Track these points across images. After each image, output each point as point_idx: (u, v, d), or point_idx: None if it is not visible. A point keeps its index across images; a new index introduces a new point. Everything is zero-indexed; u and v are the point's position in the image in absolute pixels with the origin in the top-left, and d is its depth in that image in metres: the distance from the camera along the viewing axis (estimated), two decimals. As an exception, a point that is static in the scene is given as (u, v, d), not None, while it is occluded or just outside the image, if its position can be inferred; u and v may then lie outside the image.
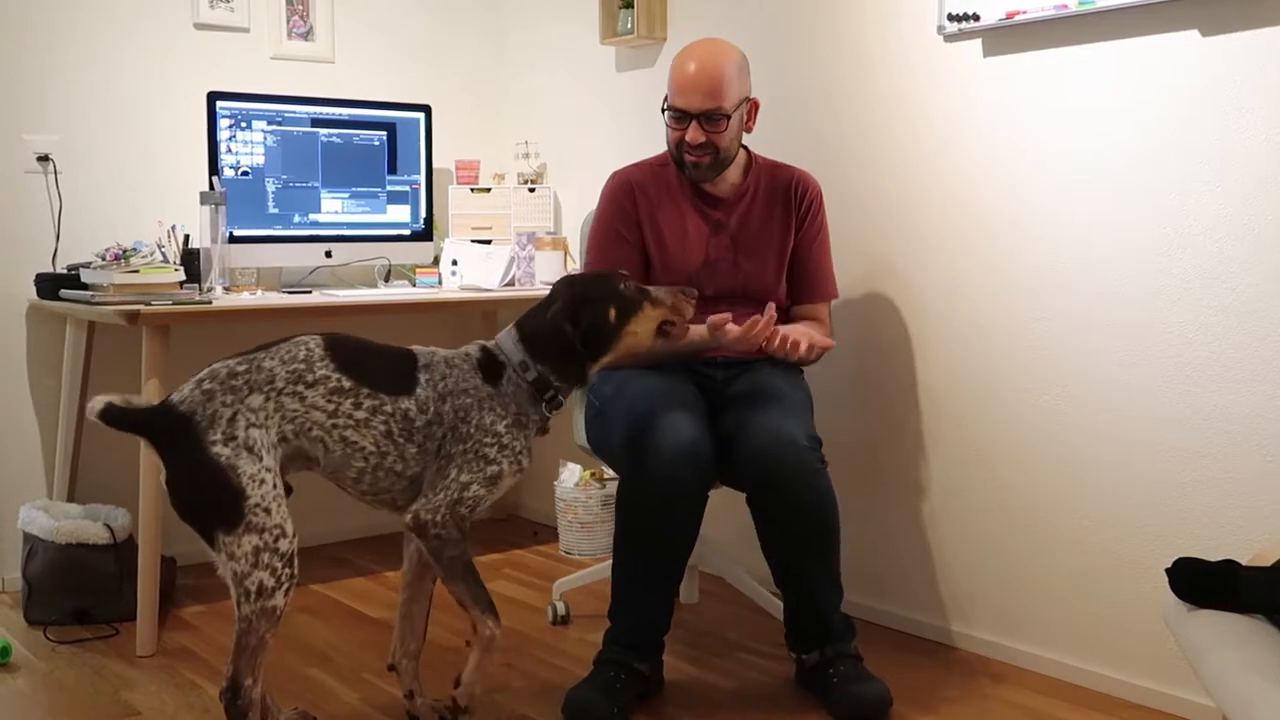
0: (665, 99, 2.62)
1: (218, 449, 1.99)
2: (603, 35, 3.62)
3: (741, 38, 3.24)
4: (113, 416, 2.03)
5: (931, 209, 2.86)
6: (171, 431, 2.02)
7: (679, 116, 2.58)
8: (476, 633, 2.21)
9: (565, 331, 2.24)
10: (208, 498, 2.00)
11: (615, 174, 2.74)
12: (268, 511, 2.00)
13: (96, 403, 2.03)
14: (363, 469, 2.15)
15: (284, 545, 2.02)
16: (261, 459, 2.02)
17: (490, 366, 2.23)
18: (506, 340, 2.27)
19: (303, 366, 2.10)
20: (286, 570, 2.02)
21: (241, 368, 2.07)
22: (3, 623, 3.02)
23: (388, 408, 2.14)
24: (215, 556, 2.03)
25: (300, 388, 2.08)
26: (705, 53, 2.57)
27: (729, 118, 2.57)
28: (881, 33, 2.93)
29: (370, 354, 2.19)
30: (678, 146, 2.61)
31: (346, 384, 2.11)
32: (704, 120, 2.55)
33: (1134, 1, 2.41)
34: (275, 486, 2.03)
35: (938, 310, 2.86)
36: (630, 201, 2.68)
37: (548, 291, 2.35)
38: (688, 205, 2.68)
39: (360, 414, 2.12)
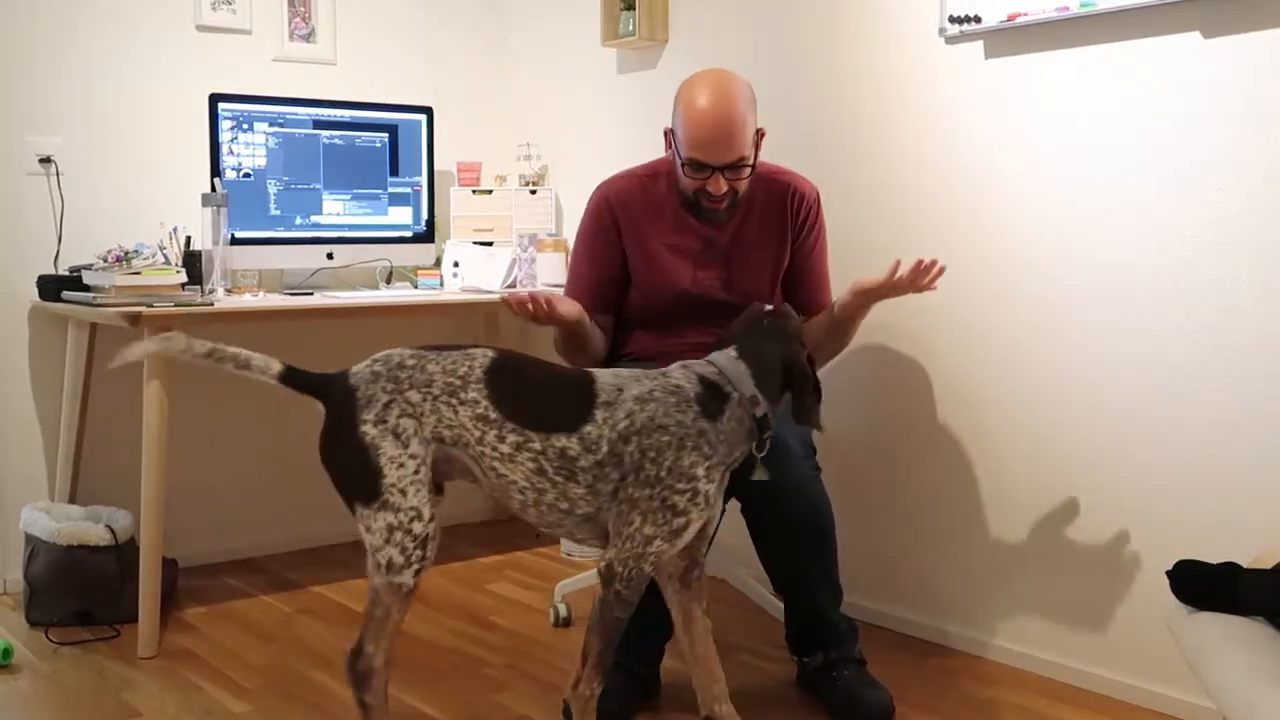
0: (672, 133, 2.54)
1: (366, 428, 2.03)
2: (604, 37, 3.62)
3: (742, 39, 3.25)
4: (292, 380, 2.10)
5: (932, 210, 2.86)
6: (335, 399, 2.08)
7: (698, 168, 2.48)
8: (577, 688, 2.16)
9: (812, 372, 2.16)
10: (350, 471, 2.05)
11: (599, 189, 2.68)
12: (403, 493, 2.03)
13: (273, 365, 2.09)
14: (523, 501, 2.10)
15: (417, 528, 2.04)
16: (407, 446, 2.04)
17: (713, 399, 2.09)
18: (733, 368, 2.12)
19: (458, 383, 2.07)
20: (418, 552, 2.04)
21: (411, 362, 2.09)
22: (4, 624, 3.03)
23: (535, 445, 2.05)
24: (357, 522, 2.08)
25: (453, 401, 2.07)
26: (720, 98, 2.44)
27: (751, 166, 2.51)
28: (883, 35, 2.93)
29: (535, 385, 2.10)
30: (695, 194, 2.53)
31: (492, 414, 2.06)
32: (726, 171, 2.48)
33: (1135, 3, 2.41)
34: (416, 472, 2.04)
35: (938, 313, 2.86)
36: (610, 222, 2.63)
37: (750, 314, 2.23)
38: (678, 220, 2.62)
39: (504, 448, 2.06)
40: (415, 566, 2.05)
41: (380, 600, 2.08)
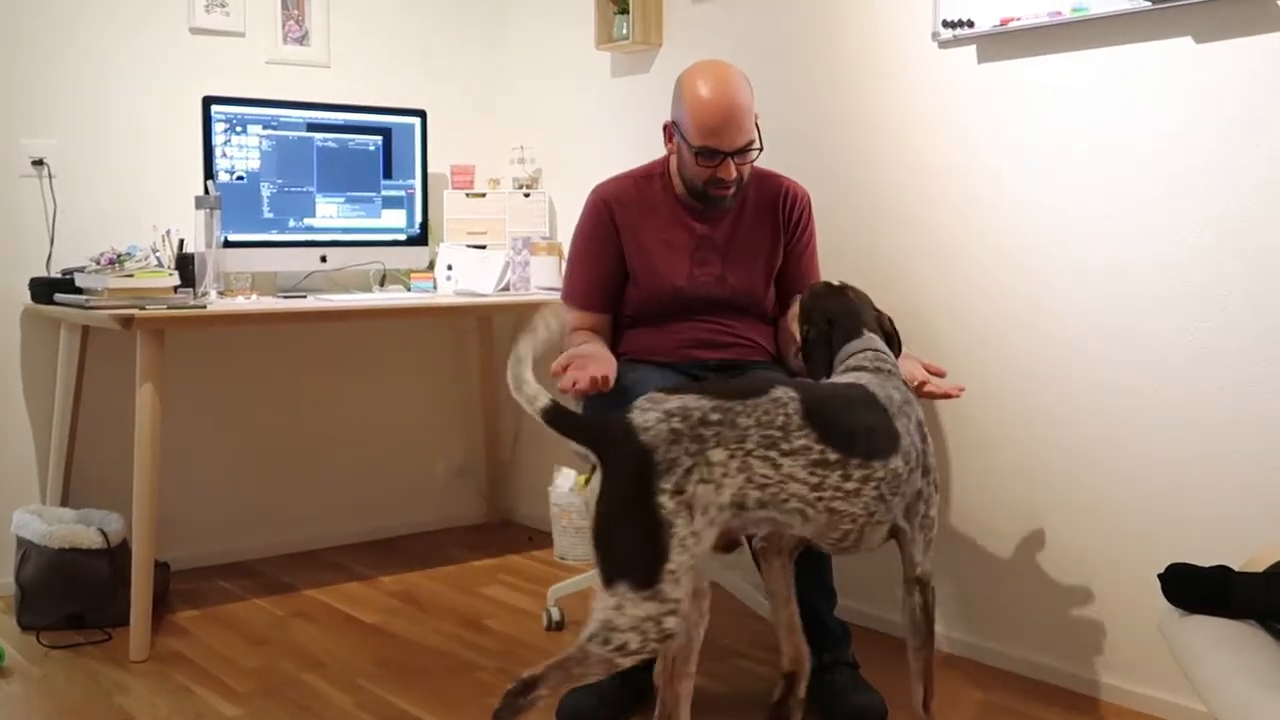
0: (676, 126, 2.56)
1: (663, 499, 1.79)
2: (598, 41, 3.63)
3: (735, 44, 3.25)
4: (559, 421, 1.85)
5: (926, 212, 2.87)
6: (625, 459, 1.82)
7: (711, 155, 2.51)
8: (928, 708, 2.17)
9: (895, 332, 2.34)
10: (631, 546, 1.80)
11: (595, 190, 2.71)
12: (677, 582, 1.79)
13: (540, 399, 1.84)
14: (849, 530, 2.02)
15: (670, 623, 1.80)
16: (693, 520, 1.81)
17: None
18: (878, 342, 2.23)
19: (778, 434, 1.90)
20: (655, 646, 1.81)
21: (715, 417, 1.86)
22: (-4, 627, 3.02)
23: (880, 473, 2.00)
24: (596, 588, 1.84)
25: (774, 454, 1.89)
26: (724, 85, 2.50)
27: (760, 149, 2.57)
28: (876, 39, 2.93)
29: (849, 414, 2.01)
30: (706, 184, 2.56)
31: (833, 456, 1.94)
32: (736, 156, 2.53)
33: (1127, 9, 2.42)
34: (694, 557, 1.82)
35: (933, 315, 2.86)
36: (608, 219, 2.66)
37: (816, 295, 2.33)
38: (673, 219, 2.65)
39: (850, 485, 1.97)
40: (642, 657, 1.82)
41: (585, 663, 1.83)
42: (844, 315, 2.26)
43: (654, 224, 2.65)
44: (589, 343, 2.57)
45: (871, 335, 2.24)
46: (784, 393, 1.95)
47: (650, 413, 1.85)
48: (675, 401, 1.87)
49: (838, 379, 2.17)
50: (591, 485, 1.86)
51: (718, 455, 1.84)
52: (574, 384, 2.31)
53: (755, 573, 2.56)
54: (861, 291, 2.34)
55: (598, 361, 2.41)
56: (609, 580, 1.80)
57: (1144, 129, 2.46)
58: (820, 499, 1.95)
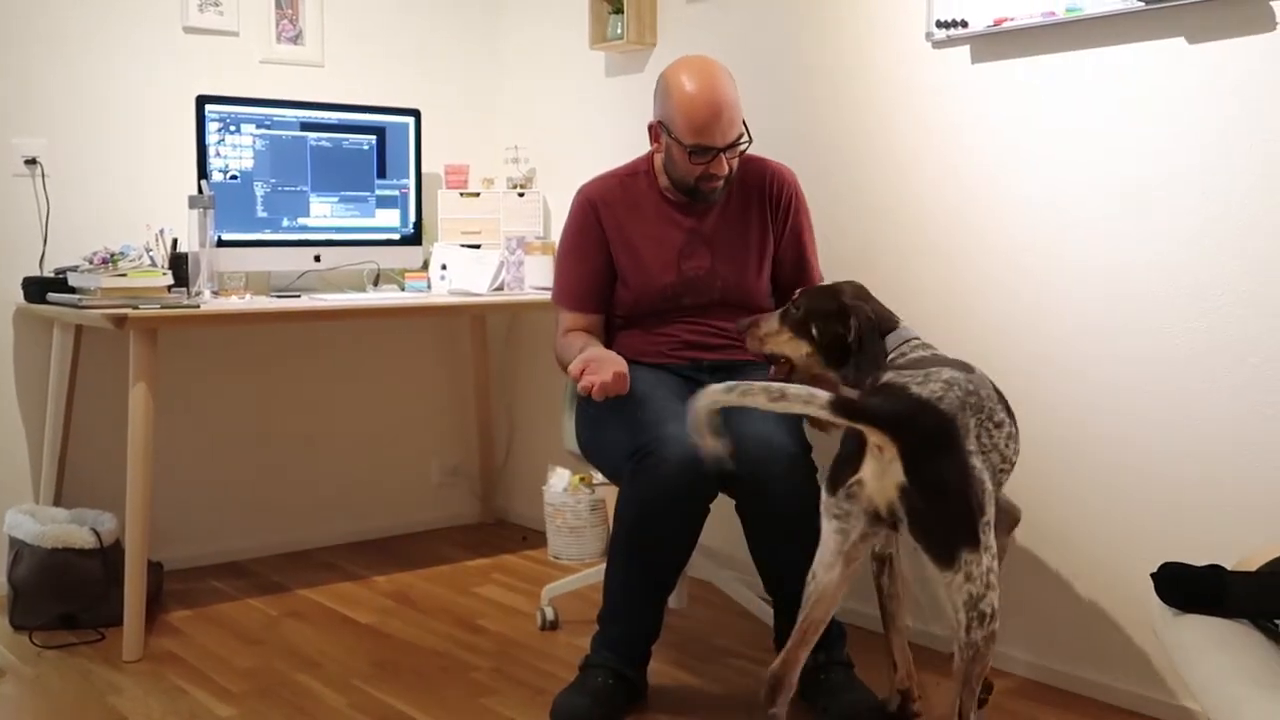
0: (663, 125, 2.56)
1: (975, 460, 1.87)
2: (592, 40, 3.63)
3: (729, 43, 3.25)
4: (850, 410, 1.84)
5: (920, 212, 2.87)
6: (932, 431, 1.86)
7: (704, 152, 2.53)
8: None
9: None
10: (960, 509, 1.83)
11: (581, 190, 2.72)
12: (990, 528, 1.85)
13: (820, 396, 1.82)
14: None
15: (998, 566, 1.87)
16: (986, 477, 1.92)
17: None
18: (915, 331, 2.31)
19: (993, 405, 2.01)
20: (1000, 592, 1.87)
21: (970, 387, 1.96)
22: (-12, 628, 3.02)
23: (1011, 452, 2.09)
24: (944, 576, 1.84)
25: (990, 425, 1.98)
26: (711, 81, 2.51)
27: (750, 140, 2.58)
28: (870, 39, 2.94)
29: (997, 394, 2.09)
30: (698, 180, 2.57)
31: (1014, 429, 2.05)
32: (728, 150, 2.54)
33: (1120, 9, 2.43)
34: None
35: (927, 314, 2.86)
36: (594, 219, 2.67)
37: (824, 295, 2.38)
38: (660, 215, 2.66)
39: (1014, 458, 2.08)
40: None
41: (981, 656, 1.86)
42: (881, 308, 2.34)
43: (640, 221, 2.66)
44: (591, 345, 2.57)
45: (907, 326, 2.31)
46: (974, 367, 2.07)
47: (930, 384, 1.93)
48: (945, 374, 1.96)
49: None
50: (881, 473, 1.87)
51: (973, 423, 1.94)
52: (594, 386, 2.33)
53: (752, 572, 2.56)
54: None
55: (610, 363, 2.43)
56: (949, 557, 1.81)
57: (1139, 129, 2.46)
58: (1002, 471, 2.02)
